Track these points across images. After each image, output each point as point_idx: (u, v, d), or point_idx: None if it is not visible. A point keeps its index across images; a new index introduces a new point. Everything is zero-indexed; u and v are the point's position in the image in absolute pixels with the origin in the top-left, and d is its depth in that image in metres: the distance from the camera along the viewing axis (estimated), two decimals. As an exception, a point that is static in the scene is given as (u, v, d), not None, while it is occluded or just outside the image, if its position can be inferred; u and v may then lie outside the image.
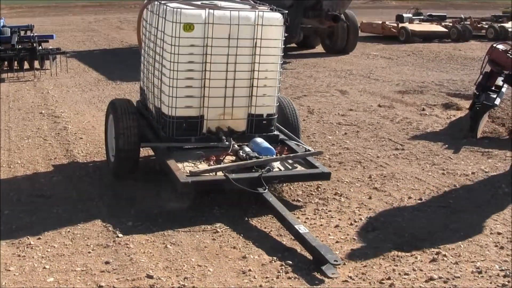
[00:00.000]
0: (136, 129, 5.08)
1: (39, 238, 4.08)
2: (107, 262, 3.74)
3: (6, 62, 10.92)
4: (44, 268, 3.67)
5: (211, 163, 4.74)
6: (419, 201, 4.77)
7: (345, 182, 5.20)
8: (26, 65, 11.29)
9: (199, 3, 5.14)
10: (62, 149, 6.17)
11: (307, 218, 4.44)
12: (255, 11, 4.92)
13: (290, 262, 3.71)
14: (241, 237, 4.12)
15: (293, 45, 14.76)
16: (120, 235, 4.12)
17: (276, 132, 5.27)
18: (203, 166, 4.68)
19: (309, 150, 5.00)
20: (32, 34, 12.31)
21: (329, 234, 4.15)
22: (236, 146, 4.88)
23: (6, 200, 4.77)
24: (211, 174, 4.52)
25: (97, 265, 3.70)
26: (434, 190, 5.02)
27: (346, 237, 4.09)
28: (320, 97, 8.90)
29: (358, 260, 3.74)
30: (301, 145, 5.15)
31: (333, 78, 10.65)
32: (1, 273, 3.60)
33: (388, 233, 4.17)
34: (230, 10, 4.86)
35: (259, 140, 4.93)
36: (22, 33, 12.95)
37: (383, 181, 5.22)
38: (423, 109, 7.96)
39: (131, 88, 9.50)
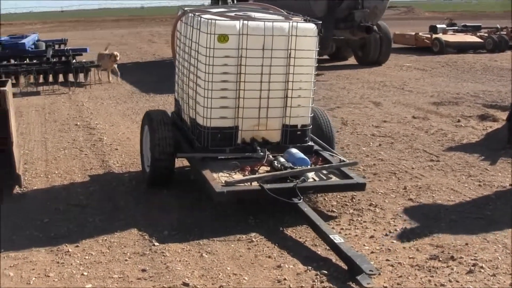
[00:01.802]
0: (171, 139, 5.15)
1: (77, 246, 4.15)
2: (143, 270, 3.77)
3: (41, 76, 11.15)
4: (82, 274, 3.72)
5: (246, 173, 4.76)
6: (456, 213, 4.70)
7: (379, 193, 5.17)
8: (60, 78, 11.55)
9: (232, 14, 5.18)
10: (98, 160, 6.27)
11: (341, 229, 4.42)
12: (289, 22, 4.94)
13: (325, 272, 3.69)
14: (276, 246, 4.12)
15: (326, 57, 14.78)
16: (156, 243, 4.16)
17: (310, 143, 5.27)
18: (238, 176, 4.70)
19: (343, 161, 4.98)
20: (66, 48, 12.60)
21: (364, 245, 4.13)
22: (270, 156, 4.89)
23: (45, 209, 4.86)
24: (246, 184, 4.54)
25: (134, 273, 3.75)
26: (470, 201, 4.95)
27: (381, 248, 4.06)
28: (353, 109, 8.88)
29: (394, 271, 3.70)
30: (335, 155, 5.14)
31: (366, 89, 10.61)
32: (40, 279, 3.67)
33: (423, 243, 4.12)
34: (264, 21, 4.89)
35: (294, 150, 4.94)
36: (56, 47, 13.28)
37: (418, 193, 5.16)
38: (459, 121, 7.88)
39: (164, 100, 9.62)
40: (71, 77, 11.27)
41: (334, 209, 4.80)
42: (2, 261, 3.90)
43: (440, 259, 3.87)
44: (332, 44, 13.10)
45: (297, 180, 4.56)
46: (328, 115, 5.72)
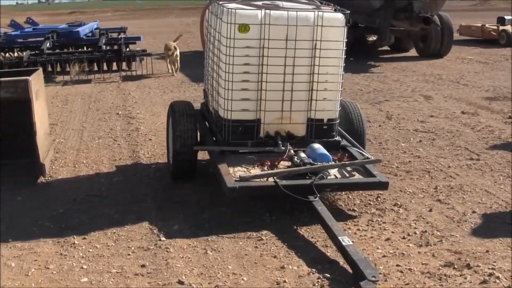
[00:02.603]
0: (193, 132, 5.04)
1: (84, 238, 4.11)
2: (143, 265, 3.69)
3: (94, 64, 11.31)
4: (82, 268, 3.68)
5: (265, 168, 4.60)
6: (484, 216, 4.38)
7: (407, 193, 4.89)
8: (114, 67, 11.69)
9: (260, 3, 5.01)
10: (129, 150, 6.26)
11: (358, 229, 4.20)
12: (315, 12, 4.71)
13: (328, 275, 3.50)
14: (285, 246, 3.95)
15: (386, 48, 14.36)
16: (163, 238, 4.08)
17: (337, 138, 5.04)
18: (255, 171, 4.55)
19: (368, 158, 4.73)
20: (120, 36, 12.76)
21: (377, 247, 3.89)
22: (292, 151, 4.70)
23: (64, 199, 4.87)
24: (261, 180, 4.37)
25: (133, 268, 3.67)
26: (502, 205, 4.60)
27: (395, 252, 3.81)
28: (402, 102, 8.53)
29: (402, 277, 3.46)
30: (362, 152, 4.88)
31: (420, 82, 10.20)
32: (39, 270, 3.65)
33: (441, 248, 3.84)
34: (288, 11, 4.69)
35: (317, 146, 4.73)
36: (114, 35, 13.46)
37: (449, 193, 4.85)
38: (510, 117, 7.40)
39: (210, 91, 9.53)
40: (125, 66, 11.39)
41: (355, 208, 4.57)
42: (8, 251, 3.92)
43: (455, 266, 3.59)
44: (390, 35, 12.64)
45: (315, 177, 4.35)
46: (360, 109, 5.45)
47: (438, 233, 4.09)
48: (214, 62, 5.06)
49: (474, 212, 4.47)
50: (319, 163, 4.53)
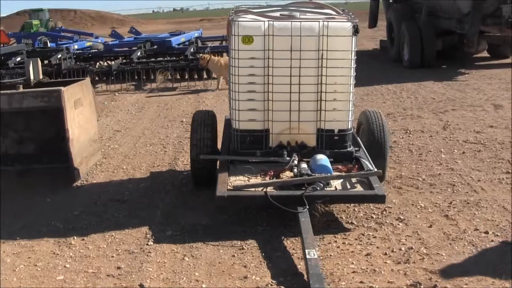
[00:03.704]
0: (209, 141, 5.17)
1: (83, 239, 4.39)
2: (118, 267, 3.89)
3: (179, 72, 11.79)
4: (64, 267, 3.95)
5: (267, 178, 4.64)
6: (483, 234, 4.12)
7: (418, 207, 4.71)
8: (204, 75, 12.09)
9: (277, 14, 5.06)
10: (171, 158, 6.52)
11: (344, 243, 4.12)
12: (319, 22, 4.69)
13: (283, 288, 3.49)
14: (261, 256, 3.98)
15: (486, 55, 13.68)
16: (151, 243, 4.26)
17: (350, 149, 4.96)
18: (256, 181, 4.61)
19: (370, 170, 4.62)
20: (208, 45, 13.18)
21: (353, 262, 3.81)
22: (295, 162, 4.71)
23: (86, 202, 5.20)
24: (252, 189, 4.42)
25: (109, 269, 3.88)
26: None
27: (368, 268, 3.71)
28: (467, 112, 8.14)
29: (358, 296, 3.38)
30: (370, 164, 4.77)
31: (500, 91, 9.63)
32: (27, 267, 3.96)
33: (418, 267, 3.69)
34: (292, 21, 4.71)
35: (319, 157, 4.71)
36: (217, 43, 13.88)
37: (461, 209, 4.61)
38: None
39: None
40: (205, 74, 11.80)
41: (354, 221, 4.49)
42: (10, 247, 4.28)
43: (421, 287, 3.43)
44: (480, 41, 12.02)
45: (306, 188, 4.33)
46: (383, 119, 5.30)
47: (425, 250, 3.93)
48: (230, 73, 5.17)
49: (476, 229, 4.23)
50: (317, 174, 4.50)
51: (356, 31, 4.72)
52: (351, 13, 5.01)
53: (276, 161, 4.82)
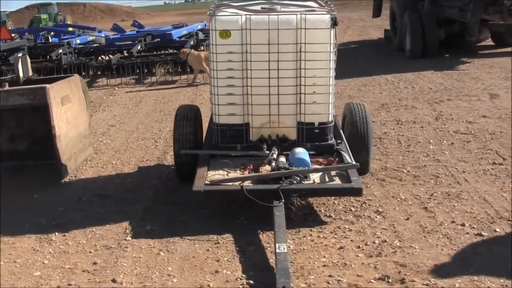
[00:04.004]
0: (191, 135, 5.19)
1: (64, 235, 4.44)
2: (95, 263, 3.94)
3: (179, 65, 11.79)
4: (43, 263, 4.00)
5: (246, 172, 4.66)
6: (460, 227, 4.11)
7: (398, 199, 4.71)
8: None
9: (258, 8, 5.06)
10: (160, 152, 6.56)
11: (319, 236, 4.14)
12: (297, 14, 4.68)
13: (252, 282, 3.52)
14: (235, 250, 4.01)
15: (490, 43, 13.56)
16: (129, 238, 4.30)
17: (331, 142, 4.97)
18: (235, 175, 4.63)
19: (349, 163, 4.62)
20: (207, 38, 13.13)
21: (325, 256, 3.82)
22: (274, 155, 4.72)
23: (71, 198, 5.25)
24: (229, 184, 4.45)
25: (85, 265, 3.92)
26: (491, 215, 4.28)
27: (339, 261, 3.72)
28: (462, 102, 8.09)
29: (323, 289, 3.39)
30: (350, 156, 4.77)
31: (499, 80, 9.55)
32: (6, 264, 4.02)
33: (389, 260, 3.69)
34: (269, 15, 4.71)
35: (298, 150, 4.71)
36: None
37: (442, 201, 4.60)
38: None
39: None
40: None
41: (332, 214, 4.49)
42: (-8, 244, 4.34)
43: (389, 280, 3.45)
44: (482, 30, 11.89)
45: (282, 182, 4.35)
46: (367, 111, 5.29)
47: (398, 243, 3.93)
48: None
49: (453, 222, 4.22)
50: (294, 168, 4.51)
51: (334, 23, 4.71)
52: (332, 5, 5.00)
53: (256, 155, 4.83)
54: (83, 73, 11.89)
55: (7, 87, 5.90)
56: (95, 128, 7.90)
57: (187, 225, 4.47)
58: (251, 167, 4.70)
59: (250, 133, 4.95)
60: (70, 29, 16.20)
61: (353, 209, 4.57)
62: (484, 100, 8.09)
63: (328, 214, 4.50)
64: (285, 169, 4.49)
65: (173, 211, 4.76)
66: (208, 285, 3.54)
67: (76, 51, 12.85)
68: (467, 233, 4.02)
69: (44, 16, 33.34)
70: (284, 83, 4.81)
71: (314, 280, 3.51)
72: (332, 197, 4.75)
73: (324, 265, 3.70)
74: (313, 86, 4.81)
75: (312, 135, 4.91)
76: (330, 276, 3.55)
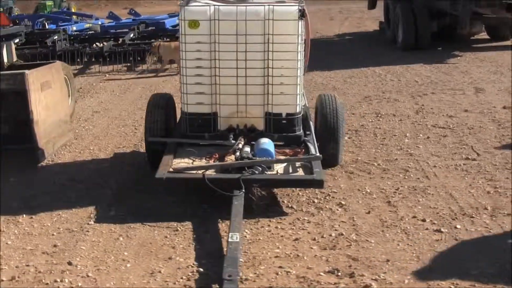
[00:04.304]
0: (162, 123, 5.24)
1: (31, 217, 4.50)
2: (55, 245, 4.00)
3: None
4: (6, 244, 4.06)
5: (212, 161, 4.71)
6: (420, 222, 4.15)
7: (363, 192, 4.75)
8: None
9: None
10: (139, 139, 6.60)
11: (276, 227, 4.18)
12: (265, 6, 4.71)
13: (202, 270, 3.58)
14: (192, 237, 4.07)
15: (486, 37, 13.51)
16: (92, 222, 4.37)
17: (299, 133, 5.01)
18: (200, 163, 4.68)
19: (312, 155, 4.66)
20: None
21: (278, 247, 3.86)
22: (240, 145, 4.77)
23: (45, 182, 5.31)
24: (193, 172, 4.50)
25: (45, 247, 3.99)
26: (454, 210, 4.31)
27: (291, 253, 3.76)
28: (447, 96, 8.10)
29: (273, 279, 3.43)
30: (315, 148, 4.81)
31: (488, 74, 9.55)
32: (-33, 245, 4.08)
33: (342, 254, 3.73)
34: (237, 6, 4.74)
35: (262, 141, 4.76)
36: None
37: (406, 195, 4.64)
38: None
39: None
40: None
41: (294, 206, 4.53)
42: (-42, 226, 4.41)
43: (338, 274, 3.49)
44: (472, 23, 11.86)
45: (243, 172, 4.39)
46: (337, 103, 5.31)
47: (354, 237, 3.97)
48: (182, 58, 5.22)
49: (414, 217, 4.24)
50: (257, 158, 4.55)
51: (302, 15, 4.74)
52: None
53: (222, 144, 4.87)
54: (78, 60, 11.93)
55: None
56: (79, 114, 7.95)
57: (151, 212, 4.52)
58: (217, 156, 4.75)
59: (218, 123, 5.00)
60: (75, 17, 16.24)
61: (316, 201, 4.62)
62: (468, 94, 8.11)
63: (290, 205, 4.54)
64: (248, 159, 4.54)
65: (139, 198, 4.81)
66: (160, 271, 3.60)
67: (72, 38, 12.89)
68: (426, 228, 4.05)
69: (49, 3, 33.30)
70: (252, 74, 4.85)
71: (264, 271, 3.56)
72: (297, 189, 4.79)
73: (277, 256, 3.75)
74: (280, 77, 4.85)
75: (279, 126, 4.96)
76: (280, 267, 3.59)
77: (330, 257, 3.70)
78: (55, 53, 11.74)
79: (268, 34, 4.74)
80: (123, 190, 5.05)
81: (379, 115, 7.15)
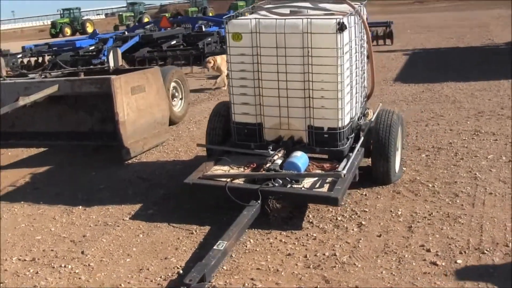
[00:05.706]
0: (220, 130, 5.54)
1: (84, 209, 5.16)
2: (84, 236, 4.56)
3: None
4: (50, 230, 4.72)
5: (247, 170, 4.91)
6: (422, 252, 3.93)
7: (393, 215, 4.58)
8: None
9: (287, 11, 5.24)
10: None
11: (280, 240, 4.25)
12: (303, 19, 4.76)
13: (181, 272, 3.82)
14: (199, 242, 4.31)
15: None
16: (127, 218, 4.85)
17: (342, 148, 4.99)
18: (233, 172, 4.90)
19: (337, 171, 4.62)
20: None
21: (266, 260, 3.94)
22: (276, 157, 4.88)
23: (116, 178, 5.94)
24: (219, 180, 4.73)
25: (76, 236, 4.56)
26: (471, 244, 4.01)
27: (273, 267, 3.83)
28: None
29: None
30: (346, 164, 4.76)
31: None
32: (24, 226, 4.78)
33: (319, 274, 3.69)
34: (276, 19, 4.86)
35: (295, 154, 4.84)
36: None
37: (433, 222, 4.36)
38: None
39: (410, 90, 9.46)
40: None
41: (315, 221, 4.55)
42: (24, 209, 5.15)
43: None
44: None
45: (268, 183, 4.53)
46: (394, 120, 5.17)
47: (345, 259, 3.89)
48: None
49: (421, 246, 4.02)
50: (283, 171, 4.65)
51: (340, 28, 4.69)
52: (362, 7, 5.02)
53: (261, 155, 5.02)
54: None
55: (82, 76, 6.73)
56: (194, 116, 8.54)
57: (185, 213, 4.83)
58: (254, 166, 4.91)
59: (263, 133, 5.15)
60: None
61: (339, 218, 4.58)
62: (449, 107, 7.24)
63: (311, 221, 4.56)
64: (274, 171, 4.65)
65: (183, 199, 5.13)
66: (148, 269, 3.92)
67: (223, 40, 13.73)
68: (424, 259, 3.82)
69: (241, 3, 35.12)
70: (293, 86, 4.92)
71: (235, 281, 3.69)
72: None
73: (258, 268, 3.85)
74: (321, 91, 4.85)
75: (321, 139, 4.97)
76: (252, 279, 3.70)
77: (305, 276, 3.71)
78: (203, 55, 12.57)
79: (307, 47, 4.78)
80: (174, 190, 5.41)
81: (477, 133, 6.68)
